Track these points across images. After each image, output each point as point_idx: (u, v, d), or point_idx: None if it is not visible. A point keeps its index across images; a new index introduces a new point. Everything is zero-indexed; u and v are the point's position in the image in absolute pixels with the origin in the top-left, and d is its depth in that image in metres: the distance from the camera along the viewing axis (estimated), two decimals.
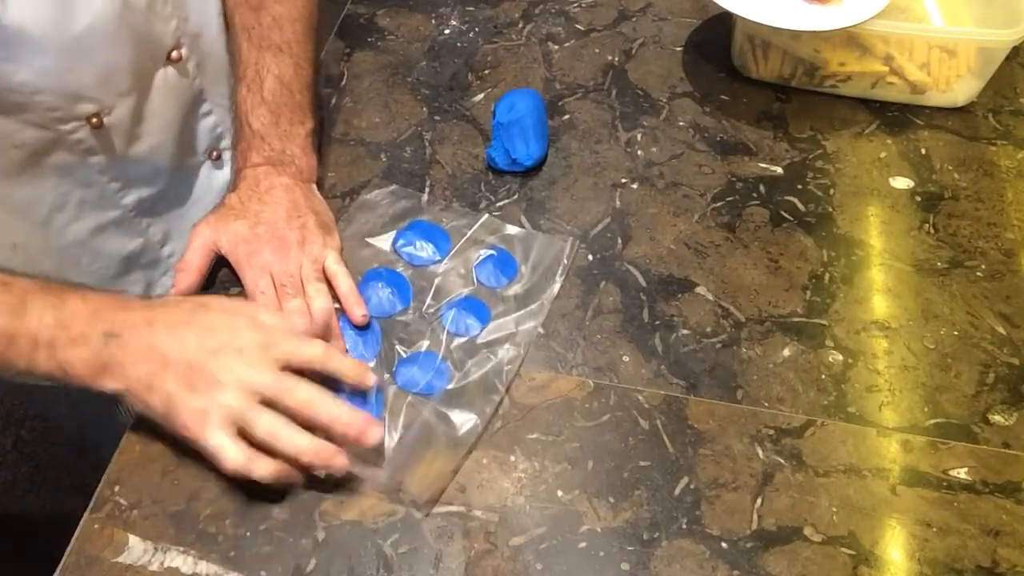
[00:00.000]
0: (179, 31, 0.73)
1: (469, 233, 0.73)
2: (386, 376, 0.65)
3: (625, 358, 0.67)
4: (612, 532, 0.58)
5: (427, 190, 0.78)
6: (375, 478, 0.60)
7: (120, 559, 0.56)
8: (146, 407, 0.57)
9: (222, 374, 0.56)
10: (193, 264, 0.67)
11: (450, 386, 0.64)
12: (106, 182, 0.73)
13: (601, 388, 0.65)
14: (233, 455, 0.55)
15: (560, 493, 0.60)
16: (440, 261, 0.72)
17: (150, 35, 0.70)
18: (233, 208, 0.69)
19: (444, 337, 0.67)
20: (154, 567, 0.56)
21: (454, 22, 0.95)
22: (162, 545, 0.57)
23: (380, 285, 0.70)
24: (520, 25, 0.95)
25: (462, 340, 0.67)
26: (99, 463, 0.61)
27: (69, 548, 0.57)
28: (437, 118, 0.85)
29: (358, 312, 0.66)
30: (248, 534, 0.58)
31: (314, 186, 0.74)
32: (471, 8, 0.96)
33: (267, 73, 0.73)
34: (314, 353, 0.59)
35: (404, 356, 0.66)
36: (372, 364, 0.65)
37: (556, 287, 0.70)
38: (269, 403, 0.56)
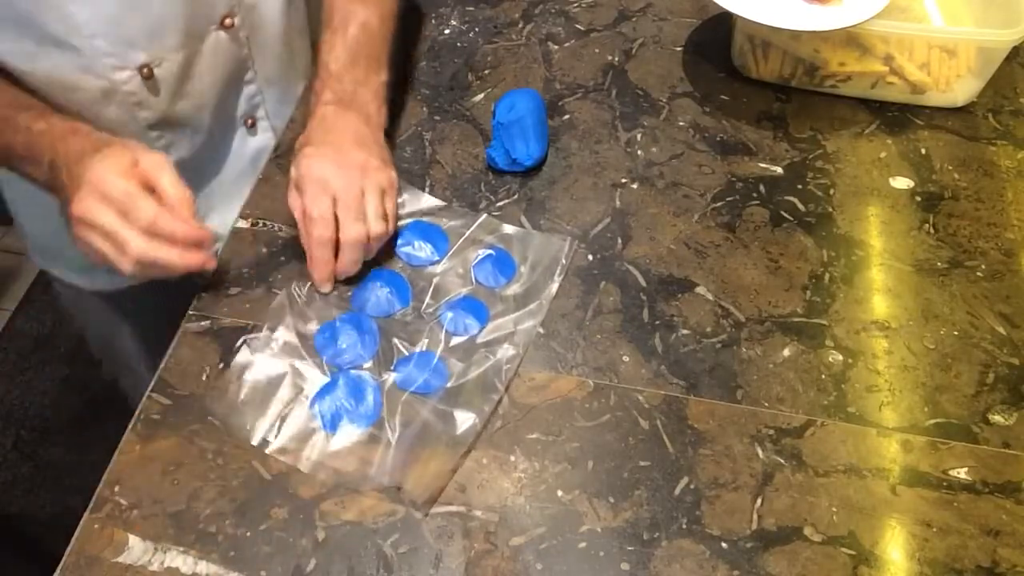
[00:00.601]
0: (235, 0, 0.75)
1: (467, 233, 0.73)
2: (385, 376, 0.65)
3: (625, 358, 0.67)
4: (612, 532, 0.58)
5: (427, 190, 0.78)
6: (374, 478, 0.60)
7: (120, 559, 0.56)
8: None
9: (79, 213, 0.61)
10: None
11: (449, 385, 0.64)
12: (153, 139, 0.76)
13: (601, 388, 0.65)
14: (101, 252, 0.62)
15: (560, 493, 0.60)
16: (438, 261, 0.72)
17: None
18: (302, 146, 0.70)
19: (443, 337, 0.67)
20: (154, 567, 0.56)
21: (454, 22, 0.95)
22: (162, 545, 0.57)
23: (379, 285, 0.70)
24: (520, 25, 0.95)
25: (461, 340, 0.67)
26: (106, 454, 0.61)
27: (69, 548, 0.57)
28: (437, 118, 0.85)
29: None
30: (248, 534, 0.58)
31: (381, 135, 0.75)
32: (471, 8, 0.96)
33: (353, 19, 0.75)
34: (145, 216, 0.62)
35: (403, 356, 0.66)
36: (370, 364, 0.65)
37: (555, 287, 0.70)
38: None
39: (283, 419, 0.62)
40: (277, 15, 0.80)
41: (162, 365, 0.66)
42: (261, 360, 0.65)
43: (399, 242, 0.73)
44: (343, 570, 0.56)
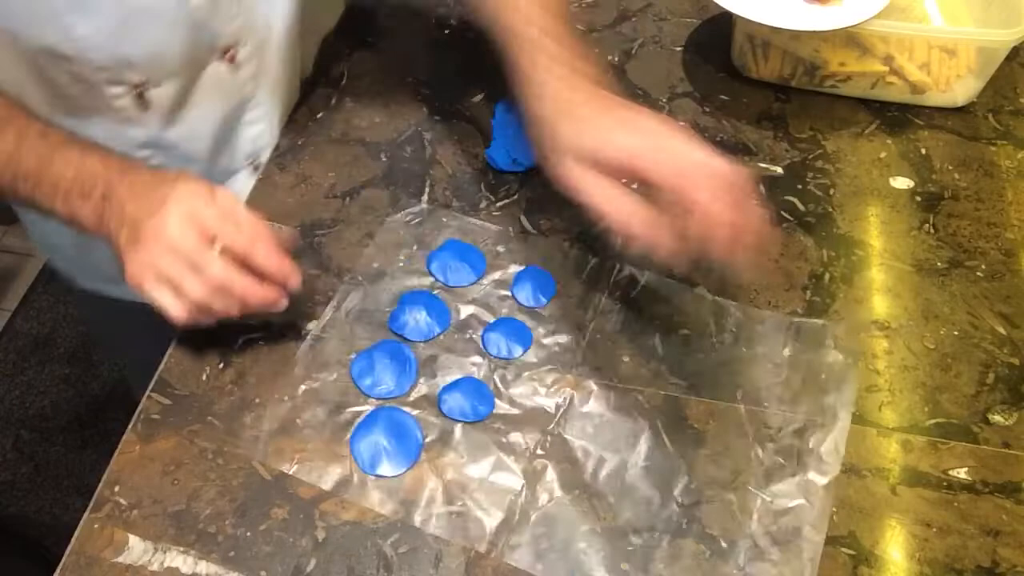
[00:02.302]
0: (241, 33, 0.73)
1: (503, 251, 0.72)
2: (427, 406, 0.63)
3: (625, 358, 0.67)
4: (612, 532, 0.58)
5: (427, 190, 0.78)
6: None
7: (120, 559, 0.56)
8: (117, 257, 0.63)
9: (157, 237, 0.61)
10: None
11: (496, 411, 0.63)
12: (144, 159, 0.74)
13: (601, 388, 0.65)
14: (167, 304, 0.61)
15: (560, 493, 0.60)
16: (476, 282, 0.70)
17: (208, 27, 0.71)
18: (592, 110, 0.59)
19: (487, 361, 0.65)
20: (154, 567, 0.56)
21: (454, 22, 0.95)
22: (162, 545, 0.57)
23: (417, 308, 0.68)
24: None
25: (506, 363, 0.65)
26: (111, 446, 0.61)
27: (69, 548, 0.57)
28: (437, 118, 0.85)
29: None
30: (248, 534, 0.58)
31: None
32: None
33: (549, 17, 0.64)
34: (241, 243, 0.62)
35: (447, 383, 0.64)
36: (410, 394, 0.64)
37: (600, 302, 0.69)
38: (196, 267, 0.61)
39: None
40: (283, 51, 0.77)
41: (162, 365, 0.66)
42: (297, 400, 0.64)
43: (434, 264, 0.71)
44: (343, 570, 0.56)
